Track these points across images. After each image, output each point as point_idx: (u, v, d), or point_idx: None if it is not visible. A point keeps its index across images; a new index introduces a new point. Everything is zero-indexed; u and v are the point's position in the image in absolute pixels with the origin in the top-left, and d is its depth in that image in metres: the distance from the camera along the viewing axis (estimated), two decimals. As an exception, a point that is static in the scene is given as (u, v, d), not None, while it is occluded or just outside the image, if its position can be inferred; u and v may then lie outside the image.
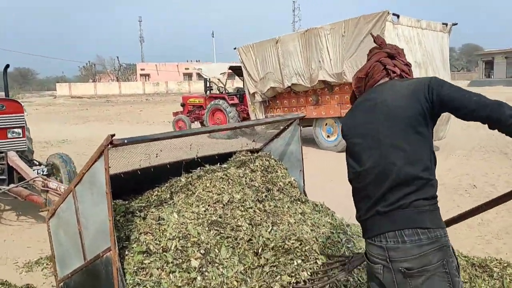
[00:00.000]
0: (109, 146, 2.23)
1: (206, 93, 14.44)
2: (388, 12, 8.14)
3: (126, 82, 56.06)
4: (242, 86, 14.67)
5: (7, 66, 5.98)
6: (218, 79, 14.27)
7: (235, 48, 11.99)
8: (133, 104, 33.28)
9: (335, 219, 3.27)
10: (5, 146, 5.42)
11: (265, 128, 11.08)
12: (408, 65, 1.92)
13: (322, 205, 3.42)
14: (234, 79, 32.73)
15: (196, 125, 14.94)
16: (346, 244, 3.02)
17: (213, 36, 63.01)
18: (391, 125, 1.70)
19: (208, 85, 14.41)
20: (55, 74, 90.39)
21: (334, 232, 3.08)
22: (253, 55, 11.35)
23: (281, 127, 3.67)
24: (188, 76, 61.18)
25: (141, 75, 60.91)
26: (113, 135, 2.22)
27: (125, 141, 2.29)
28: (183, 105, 15.08)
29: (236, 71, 14.20)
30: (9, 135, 5.48)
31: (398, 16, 8.40)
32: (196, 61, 63.61)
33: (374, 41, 1.99)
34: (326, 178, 6.90)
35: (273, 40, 10.68)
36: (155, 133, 2.49)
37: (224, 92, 14.33)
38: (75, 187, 2.52)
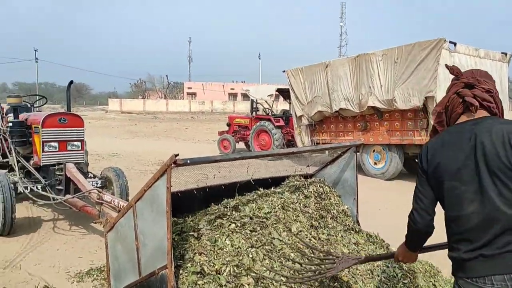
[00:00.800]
0: (172, 165, 2.28)
1: (252, 114, 14.60)
2: (445, 40, 7.95)
3: (173, 100, 57.80)
4: (288, 109, 14.74)
5: (71, 82, 6.31)
6: (265, 101, 14.41)
7: (284, 71, 12.08)
8: (179, 122, 34.17)
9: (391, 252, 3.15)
10: (64, 157, 5.67)
11: (311, 152, 10.99)
12: (490, 91, 1.82)
13: (376, 236, 3.31)
14: (278, 101, 33.00)
15: (241, 145, 15.09)
16: (402, 280, 2.89)
17: (259, 58, 64.19)
18: (492, 173, 1.63)
19: (254, 106, 14.57)
20: (107, 90, 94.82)
21: (389, 266, 2.96)
22: (301, 78, 11.39)
23: (335, 154, 3.63)
24: (233, 96, 62.24)
25: (188, 93, 62.67)
26: (177, 155, 2.27)
27: (188, 161, 2.33)
28: (229, 124, 15.30)
29: (283, 93, 14.31)
30: (69, 147, 5.73)
31: (455, 44, 8.19)
32: (242, 82, 64.76)
33: (450, 72, 1.93)
34: (374, 207, 6.70)
35: (323, 64, 10.69)
36: (215, 155, 2.53)
37: (270, 114, 14.43)
38: (135, 203, 2.58)
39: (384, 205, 7.07)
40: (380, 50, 9.25)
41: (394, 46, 8.99)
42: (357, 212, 3.42)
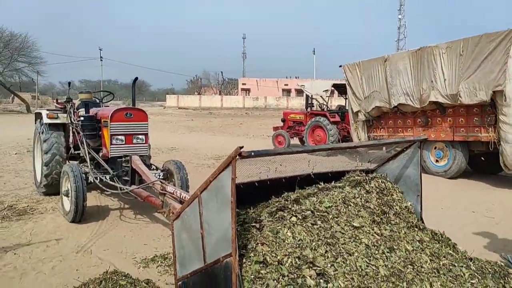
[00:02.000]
0: (237, 157, 2.34)
1: (307, 109, 14.51)
2: (516, 30, 7.45)
3: (227, 96, 58.76)
4: (344, 104, 14.49)
5: (136, 79, 6.63)
6: (320, 96, 14.27)
7: (340, 66, 11.89)
8: (234, 117, 34.69)
9: (457, 251, 3.04)
10: (130, 150, 5.98)
11: (367, 148, 10.75)
12: None
13: (442, 234, 3.20)
14: (333, 97, 32.52)
15: (295, 141, 15.05)
16: (469, 280, 2.78)
17: (314, 53, 63.43)
18: None
19: (309, 101, 14.47)
20: (165, 86, 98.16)
21: (456, 265, 2.86)
22: (358, 73, 11.15)
23: (392, 151, 3.55)
24: (287, 92, 62.14)
25: (242, 89, 63.41)
26: (242, 147, 2.34)
27: (252, 153, 2.39)
28: (283, 120, 15.32)
29: (339, 88, 14.09)
30: (134, 141, 6.03)
31: None
32: (296, 78, 64.40)
33: None
34: (436, 206, 6.45)
35: (382, 58, 10.38)
36: (278, 148, 2.56)
37: (325, 109, 14.27)
38: (201, 193, 2.68)
39: (447, 204, 6.79)
40: (444, 43, 8.83)
41: (459, 38, 8.56)
42: (421, 209, 3.32)
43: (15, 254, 4.47)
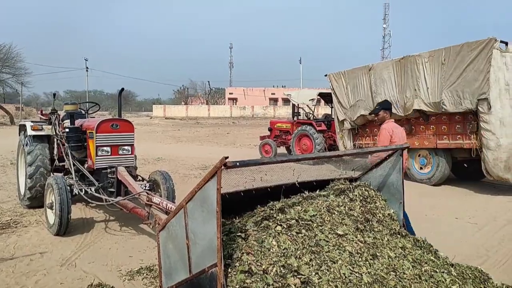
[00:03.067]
0: (223, 167, 2.37)
1: (293, 118, 14.61)
2: (496, 39, 7.65)
3: (215, 106, 58.78)
4: (330, 113, 14.63)
5: (122, 89, 6.63)
6: (307, 105, 14.38)
7: (326, 75, 12.03)
8: (221, 127, 34.70)
9: (439, 257, 3.10)
10: (116, 161, 5.95)
11: (352, 157, 10.86)
12: None
13: (424, 241, 3.26)
14: (320, 105, 32.77)
15: (282, 149, 15.12)
16: (450, 285, 2.84)
17: (300, 63, 64.01)
18: None
19: (296, 110, 14.57)
20: (151, 97, 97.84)
21: (437, 271, 2.91)
22: (344, 82, 11.30)
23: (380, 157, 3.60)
24: (274, 101, 62.41)
25: (229, 98, 63.52)
26: (227, 157, 2.36)
27: (237, 164, 2.42)
28: (270, 129, 15.39)
29: (325, 97, 14.23)
30: (120, 152, 6.00)
31: (506, 44, 7.85)
32: (283, 87, 64.84)
33: None
34: (420, 213, 6.53)
35: (366, 67, 10.55)
36: (263, 158, 2.59)
37: (311, 118, 14.38)
38: (186, 203, 2.69)
39: (431, 211, 6.89)
40: (427, 52, 9.02)
41: (441, 47, 8.75)
42: (404, 216, 3.38)
43: (-3, 268, 4.39)
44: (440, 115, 8.98)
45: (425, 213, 6.64)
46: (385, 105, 5.20)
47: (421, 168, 9.65)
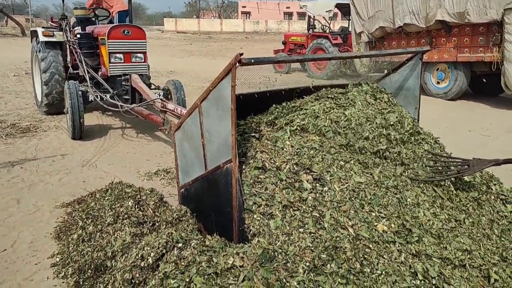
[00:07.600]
0: (237, 64, 2.33)
1: (308, 31, 14.10)
2: None
3: (227, 20, 56.73)
4: (346, 26, 14.05)
5: (131, -5, 6.38)
6: (323, 17, 13.78)
7: (344, -16, 11.36)
8: (233, 41, 33.81)
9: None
10: (129, 69, 5.92)
11: (368, 71, 10.63)
12: None
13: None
14: (336, 20, 31.32)
15: (296, 65, 14.82)
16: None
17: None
18: None
19: (311, 23, 14.01)
20: (162, 10, 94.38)
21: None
22: (363, -9, 10.68)
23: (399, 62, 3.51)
24: (289, 15, 59.92)
25: (242, 12, 61.05)
26: (241, 54, 2.31)
27: (252, 60, 2.37)
28: (284, 43, 14.94)
29: (343, 9, 13.57)
30: (133, 59, 5.94)
31: None
32: (298, 0, 61.70)
33: None
34: (433, 125, 6.51)
35: (388, -26, 9.88)
36: (278, 55, 2.54)
37: (327, 31, 13.86)
38: (201, 103, 2.70)
39: (444, 124, 6.87)
40: (454, -43, 8.35)
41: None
42: (418, 121, 3.38)
43: (21, 168, 4.63)
44: (463, 27, 8.57)
45: (438, 126, 6.63)
46: None
47: (438, 83, 9.44)
